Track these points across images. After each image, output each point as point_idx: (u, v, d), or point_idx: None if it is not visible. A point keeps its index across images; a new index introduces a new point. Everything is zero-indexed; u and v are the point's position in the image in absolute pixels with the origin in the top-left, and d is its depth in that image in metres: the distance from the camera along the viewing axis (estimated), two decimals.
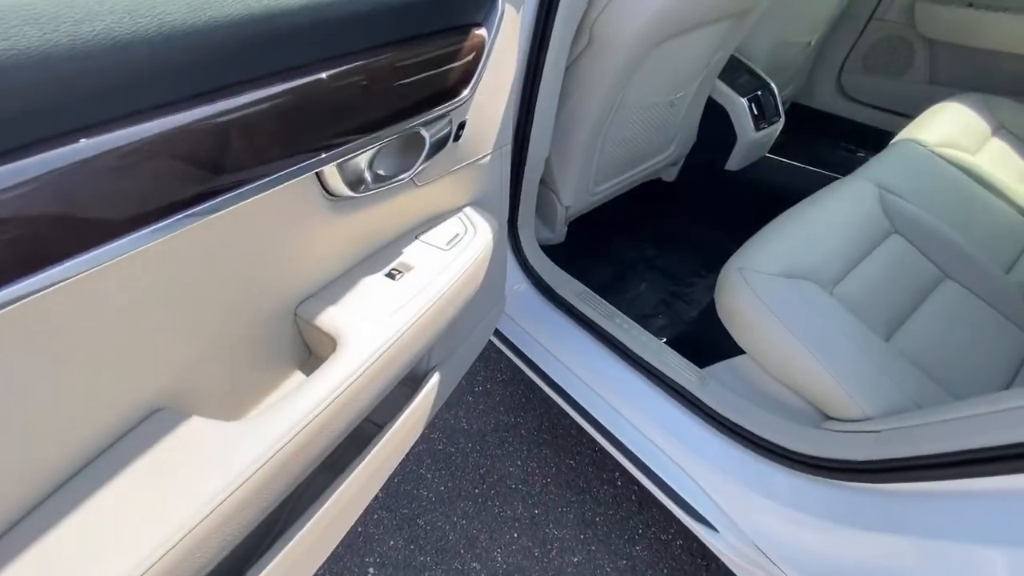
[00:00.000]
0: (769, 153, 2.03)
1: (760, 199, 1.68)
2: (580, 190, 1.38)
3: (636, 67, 1.11)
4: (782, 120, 1.63)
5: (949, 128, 1.48)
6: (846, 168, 1.98)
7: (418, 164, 0.59)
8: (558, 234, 1.49)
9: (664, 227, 1.77)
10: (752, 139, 1.55)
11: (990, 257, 1.17)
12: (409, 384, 0.87)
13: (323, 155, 0.47)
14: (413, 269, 0.66)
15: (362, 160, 0.56)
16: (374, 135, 0.52)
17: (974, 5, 1.69)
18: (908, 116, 1.95)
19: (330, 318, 0.57)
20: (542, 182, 1.37)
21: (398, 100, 0.54)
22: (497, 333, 1.33)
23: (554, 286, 1.28)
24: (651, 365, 1.08)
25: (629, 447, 1.06)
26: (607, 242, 1.70)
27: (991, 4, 1.67)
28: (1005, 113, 1.58)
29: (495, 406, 1.58)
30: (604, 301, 1.25)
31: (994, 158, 1.45)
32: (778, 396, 1.01)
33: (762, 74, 1.62)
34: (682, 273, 1.63)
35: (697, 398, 1.01)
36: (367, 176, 0.56)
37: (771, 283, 0.99)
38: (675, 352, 1.12)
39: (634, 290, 1.57)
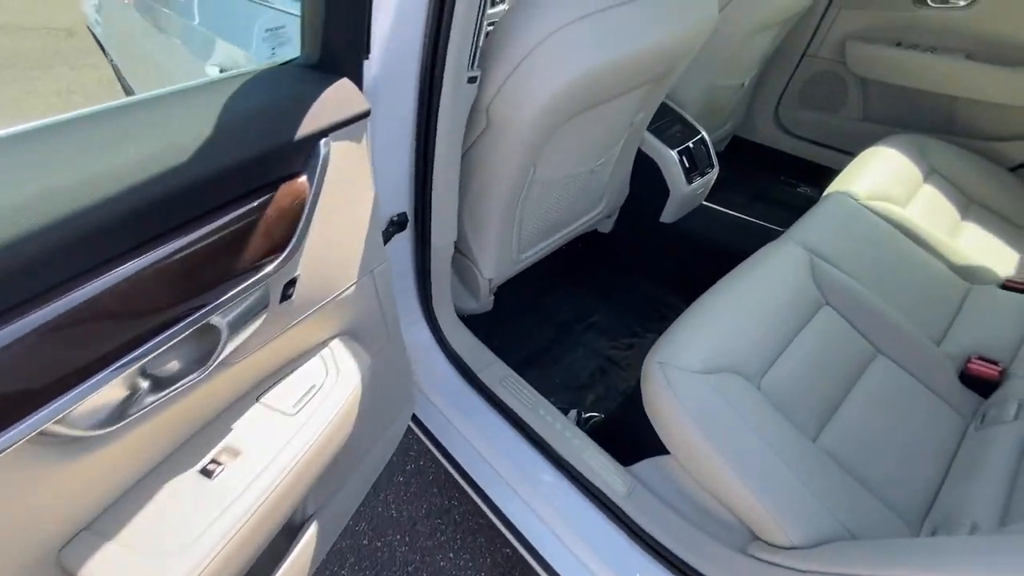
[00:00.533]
0: (714, 187, 1.99)
1: (697, 251, 1.62)
2: (502, 261, 1.28)
3: (543, 145, 1.03)
4: (716, 169, 1.58)
5: (880, 177, 1.44)
6: (786, 205, 2.00)
7: (216, 356, 0.48)
8: (484, 304, 1.39)
9: (601, 280, 1.69)
10: (685, 193, 1.49)
11: (922, 325, 1.13)
12: (284, 534, 0.76)
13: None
14: (241, 454, 0.55)
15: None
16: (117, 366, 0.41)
17: (902, 45, 1.67)
18: (845, 152, 1.94)
19: (98, 565, 0.45)
20: (462, 253, 1.27)
21: (160, 312, 0.42)
22: (414, 418, 1.22)
23: (476, 369, 1.18)
24: (575, 469, 0.99)
25: (549, 561, 0.97)
26: (542, 298, 1.61)
27: (919, 43, 1.65)
28: (937, 156, 1.56)
29: (427, 486, 1.47)
30: (529, 386, 1.16)
31: (926, 208, 1.42)
32: (706, 505, 0.93)
33: (694, 123, 1.56)
34: (620, 332, 1.55)
35: (622, 510, 0.93)
36: (141, 386, 0.45)
37: (693, 383, 0.92)
38: (601, 451, 1.03)
39: (571, 355, 1.49)
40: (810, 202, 1.98)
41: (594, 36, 0.83)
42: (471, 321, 1.43)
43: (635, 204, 1.59)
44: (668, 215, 1.56)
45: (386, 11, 0.68)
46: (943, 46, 1.61)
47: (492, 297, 1.39)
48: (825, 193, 1.43)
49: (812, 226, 1.27)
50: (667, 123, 1.52)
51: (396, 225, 0.94)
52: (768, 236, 1.53)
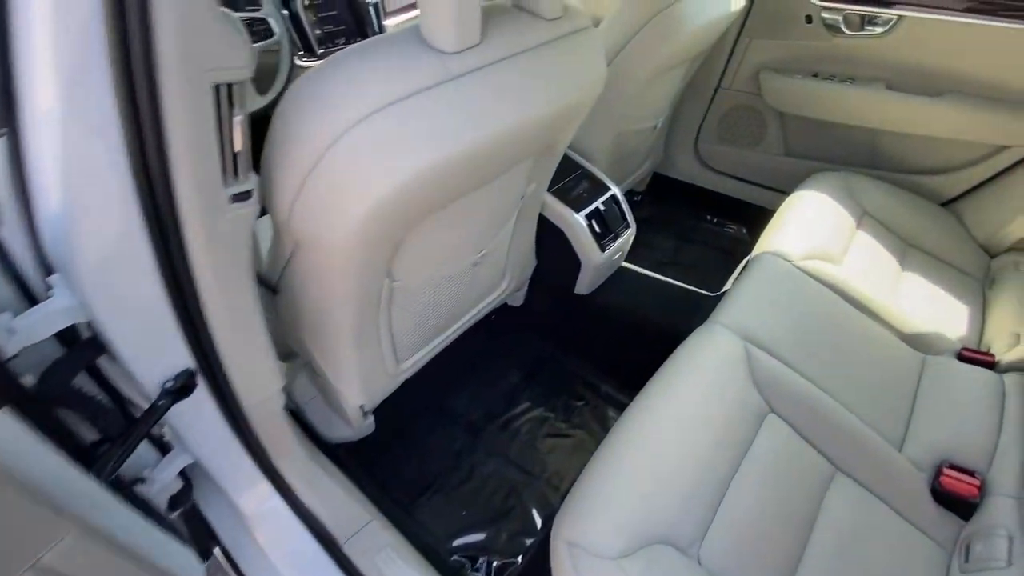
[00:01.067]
0: (640, 227, 1.78)
1: (622, 327, 1.40)
2: (373, 380, 1.01)
3: (389, 256, 0.76)
4: (632, 229, 1.37)
5: (811, 228, 1.28)
6: (715, 247, 1.82)
7: None
8: (360, 429, 1.11)
9: (519, 358, 1.44)
10: (598, 263, 1.26)
11: (881, 419, 0.94)
12: None
13: None
14: None
15: None
16: None
17: (819, 75, 1.54)
18: (771, 188, 1.80)
19: None
20: (323, 378, 0.99)
21: None
22: None
23: (341, 538, 0.90)
24: None
25: None
26: (445, 395, 1.33)
27: (837, 73, 1.52)
28: (867, 196, 1.42)
29: None
30: (418, 557, 0.89)
31: (863, 259, 1.25)
32: None
33: (603, 178, 1.35)
34: (542, 429, 1.29)
35: None
36: None
37: (611, 573, 0.67)
38: None
39: (481, 469, 1.21)
40: (737, 243, 1.90)
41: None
42: (350, 448, 1.14)
43: (545, 275, 1.36)
44: (583, 286, 1.33)
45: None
46: (862, 75, 1.49)
47: (371, 419, 1.10)
48: (754, 253, 1.24)
49: (744, 301, 1.07)
50: (572, 181, 1.30)
51: (176, 393, 0.64)
52: (697, 305, 1.37)
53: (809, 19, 1.48)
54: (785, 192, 1.71)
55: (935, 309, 1.18)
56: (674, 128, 1.86)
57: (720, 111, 1.78)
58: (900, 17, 1.37)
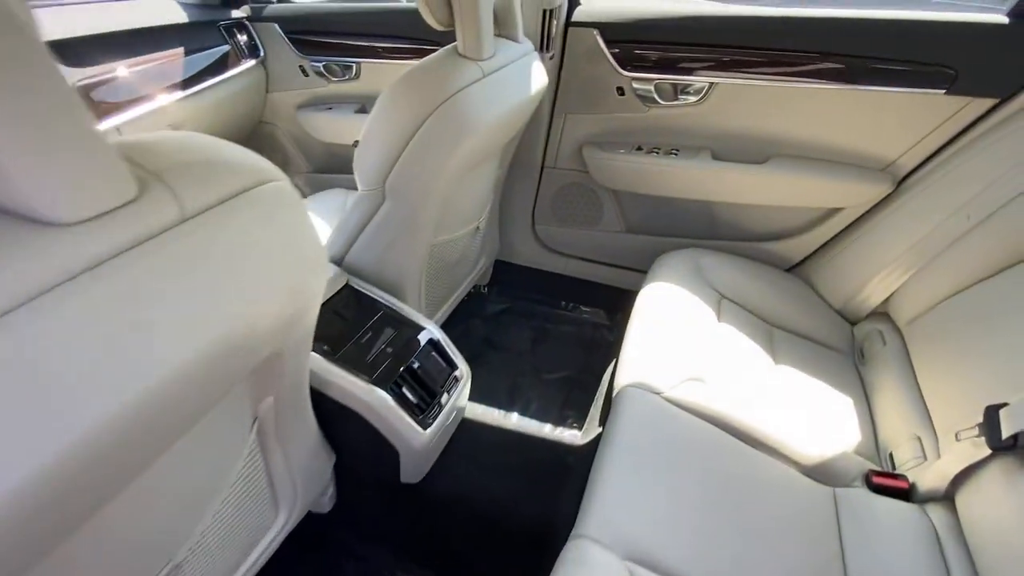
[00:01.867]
0: (491, 327, 1.58)
1: (467, 516, 1.04)
2: None
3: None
4: (465, 370, 1.02)
5: (670, 336, 1.05)
6: (574, 339, 1.59)
7: None
8: None
9: None
10: (422, 445, 0.89)
11: None
12: None
13: None
14: None
15: None
16: None
17: (643, 149, 1.38)
18: (618, 266, 1.62)
19: None
20: None
21: None
22: None
23: None
24: None
25: None
26: None
27: (662, 144, 1.37)
28: (718, 276, 1.26)
29: None
30: None
31: (737, 367, 1.05)
32: None
33: (415, 318, 0.99)
34: None
35: None
36: None
37: None
38: None
39: None
40: (596, 329, 1.64)
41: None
42: None
43: (358, 464, 0.95)
44: (409, 475, 0.95)
45: None
46: (686, 145, 1.35)
47: None
48: (616, 390, 0.97)
49: (614, 478, 0.77)
50: (369, 334, 0.92)
51: None
52: (563, 464, 1.12)
53: (621, 91, 1.32)
54: (634, 269, 1.54)
55: (824, 412, 1.01)
56: (506, 212, 1.61)
57: (551, 191, 1.56)
58: (712, 84, 1.25)
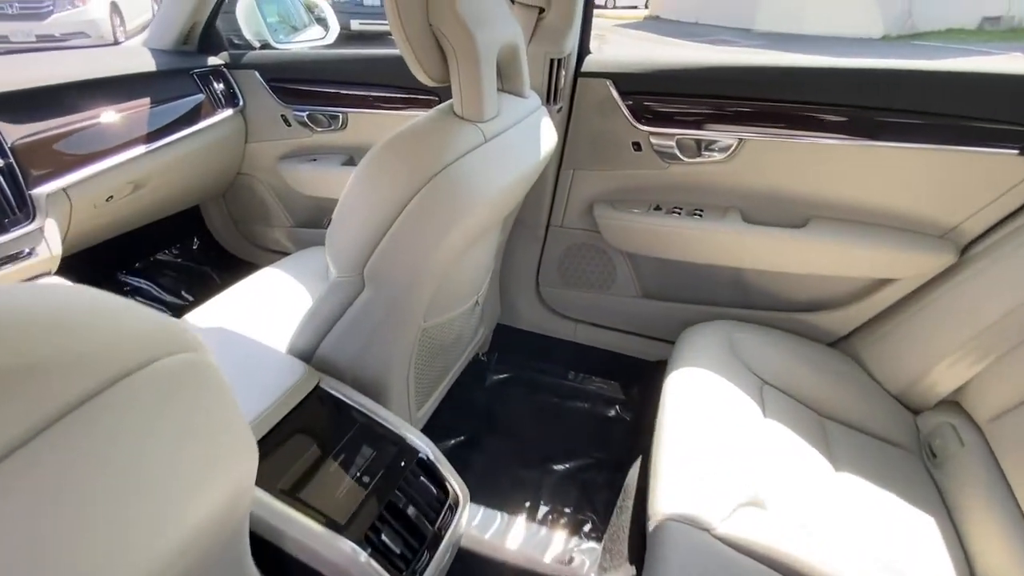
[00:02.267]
0: (491, 403, 1.43)
1: None
2: None
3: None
4: (462, 496, 0.83)
5: (711, 446, 0.86)
6: (591, 419, 1.37)
7: None
8: None
9: None
10: None
11: None
12: None
13: None
14: None
15: None
16: None
17: (662, 208, 1.22)
18: (633, 333, 1.44)
19: None
20: None
21: None
22: None
23: None
24: None
25: None
26: None
27: (683, 204, 1.22)
28: (756, 355, 1.08)
29: None
30: None
31: (795, 481, 0.86)
32: None
33: (404, 432, 0.80)
34: None
35: None
36: None
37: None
38: None
39: None
40: (611, 405, 1.42)
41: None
42: None
43: None
44: None
45: None
46: (712, 205, 1.20)
47: None
48: (652, 521, 0.78)
49: None
50: (343, 456, 0.73)
51: None
52: None
53: (637, 146, 1.18)
54: (652, 337, 1.36)
55: (904, 539, 0.81)
56: (508, 273, 1.44)
57: (557, 252, 1.40)
58: (741, 140, 1.10)
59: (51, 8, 6.05)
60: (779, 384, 1.05)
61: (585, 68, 1.14)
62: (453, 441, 1.33)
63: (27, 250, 1.07)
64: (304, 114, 1.51)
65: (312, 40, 1.70)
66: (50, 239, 1.11)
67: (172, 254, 1.95)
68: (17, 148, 1.04)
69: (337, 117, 1.49)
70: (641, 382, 1.43)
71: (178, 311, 1.85)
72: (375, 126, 1.50)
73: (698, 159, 1.15)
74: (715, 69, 1.07)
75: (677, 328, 1.22)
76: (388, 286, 0.76)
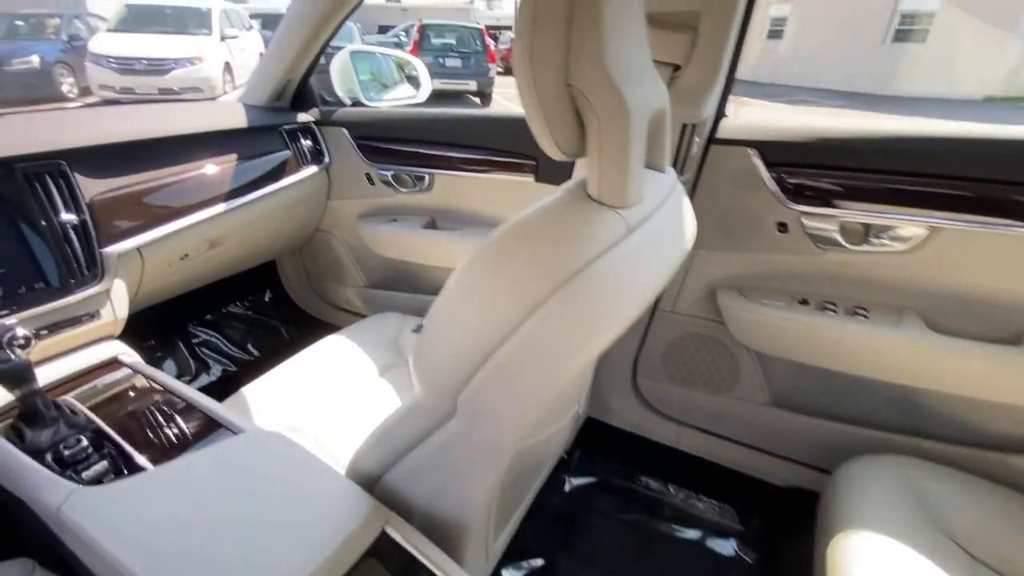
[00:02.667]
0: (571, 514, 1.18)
1: None
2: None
3: None
4: None
5: None
6: (686, 547, 1.07)
7: None
8: None
9: None
10: None
11: None
12: None
13: None
14: None
15: None
16: None
17: (810, 303, 0.98)
18: (756, 448, 1.17)
19: None
20: None
21: None
22: None
23: None
24: None
25: None
26: None
27: (838, 300, 0.97)
28: (950, 509, 0.80)
29: None
30: None
31: None
32: None
33: None
34: None
35: None
36: None
37: None
38: None
39: None
40: (723, 533, 1.12)
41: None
42: None
43: None
44: None
45: None
46: (882, 304, 0.95)
47: None
48: None
49: None
50: None
51: None
52: None
53: (783, 227, 0.96)
54: (782, 457, 1.09)
55: None
56: (601, 357, 1.23)
57: (663, 339, 1.18)
58: (932, 229, 0.86)
59: (172, 66, 6.78)
60: (989, 558, 0.75)
61: (721, 134, 0.96)
62: (526, 567, 1.10)
63: (90, 313, 0.98)
64: (389, 174, 1.42)
65: (403, 99, 1.65)
66: (116, 301, 1.02)
67: (243, 306, 1.90)
68: (95, 204, 0.97)
69: (423, 178, 1.39)
70: (766, 512, 1.15)
71: (243, 366, 1.77)
72: (462, 189, 1.39)
73: (867, 247, 0.91)
74: (898, 139, 0.85)
75: (819, 451, 0.95)
76: (488, 418, 0.57)
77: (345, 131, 1.43)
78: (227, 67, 7.43)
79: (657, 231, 0.62)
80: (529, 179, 1.26)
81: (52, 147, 0.94)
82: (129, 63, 6.69)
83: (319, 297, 1.81)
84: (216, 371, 1.74)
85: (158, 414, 0.83)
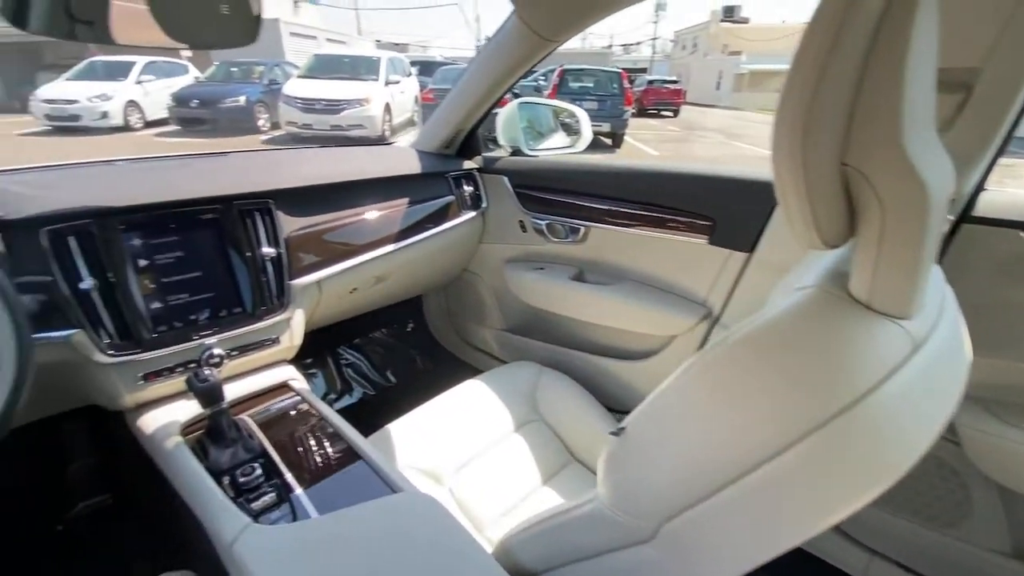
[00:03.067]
0: None
1: None
2: None
3: None
4: None
5: None
6: None
7: None
8: None
9: None
10: None
11: None
12: None
13: None
14: None
15: None
16: None
17: None
18: None
19: None
20: None
21: None
22: None
23: None
24: None
25: None
26: None
27: None
28: None
29: None
30: None
31: None
32: None
33: None
34: None
35: None
36: None
37: None
38: None
39: None
40: None
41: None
42: None
43: None
44: None
45: None
46: None
47: None
48: None
49: None
50: None
51: None
52: None
53: None
54: None
55: None
56: None
57: None
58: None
59: (344, 106, 7.77)
60: None
61: (980, 212, 0.77)
62: None
63: (272, 339, 1.06)
64: (543, 223, 1.40)
65: (559, 147, 1.64)
66: (294, 329, 1.10)
67: (386, 333, 2.00)
68: (290, 240, 1.06)
69: (577, 230, 1.35)
70: None
71: (380, 391, 1.85)
72: (618, 243, 1.32)
73: None
74: None
75: None
76: (693, 556, 0.47)
77: (506, 179, 1.44)
78: (387, 108, 8.33)
79: (944, 347, 0.48)
80: (700, 240, 1.15)
81: (264, 187, 1.05)
82: (311, 103, 7.81)
83: (456, 334, 1.84)
84: (357, 393, 1.83)
85: (314, 441, 0.87)
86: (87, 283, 0.83)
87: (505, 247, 1.53)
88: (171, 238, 0.94)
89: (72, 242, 0.84)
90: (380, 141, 7.92)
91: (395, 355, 1.96)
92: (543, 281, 1.43)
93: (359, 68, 8.61)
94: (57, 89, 8.65)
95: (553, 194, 1.39)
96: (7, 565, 1.16)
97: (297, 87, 8.13)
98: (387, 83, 8.53)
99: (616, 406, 1.31)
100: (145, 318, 0.89)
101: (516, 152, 1.53)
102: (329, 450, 0.84)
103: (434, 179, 1.39)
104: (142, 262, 0.90)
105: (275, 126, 8.93)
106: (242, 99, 8.94)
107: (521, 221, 1.45)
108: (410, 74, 10.06)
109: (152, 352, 0.89)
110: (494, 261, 1.58)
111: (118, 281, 0.86)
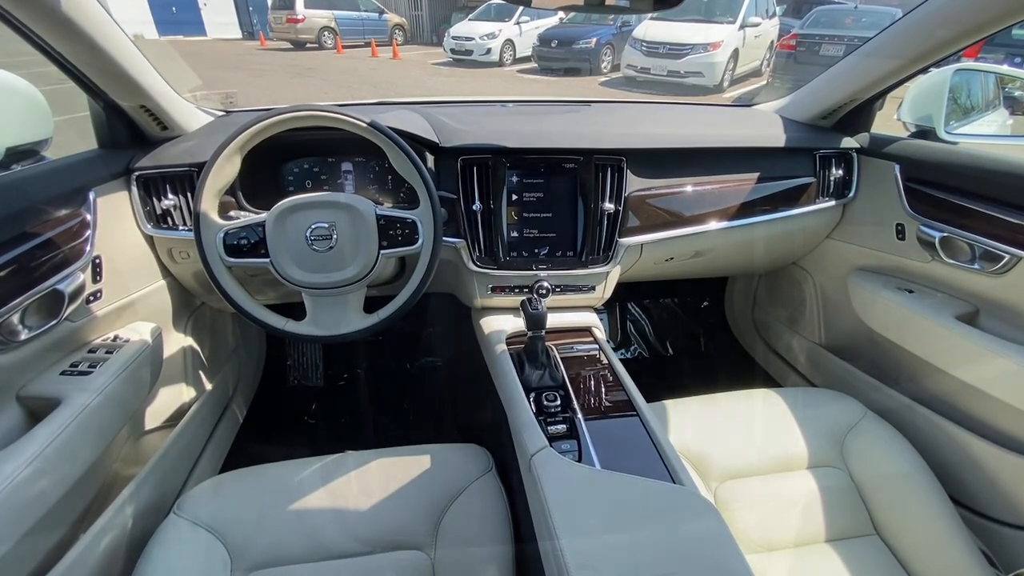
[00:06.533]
0: None
1: None
2: None
3: None
4: None
5: None
6: None
7: None
8: None
9: None
10: None
11: None
12: None
13: None
14: None
15: None
16: None
17: None
18: None
19: None
20: None
21: None
22: None
23: None
24: None
25: None
26: None
27: None
28: None
29: None
30: None
31: None
32: None
33: None
34: None
35: None
36: None
37: None
38: None
39: None
40: None
41: None
42: None
43: None
44: None
45: None
46: None
47: None
48: None
49: None
50: None
51: None
52: None
53: None
54: None
55: None
56: None
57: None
58: None
59: (688, 51, 7.40)
60: None
61: None
62: None
63: (590, 286, 1.14)
64: (937, 235, 1.06)
65: (1003, 136, 1.19)
66: (610, 282, 1.16)
67: (676, 303, 1.95)
68: (630, 199, 1.09)
69: (997, 258, 0.97)
70: None
71: (656, 358, 1.85)
72: None
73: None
74: None
75: None
76: None
77: (896, 168, 1.13)
78: (734, 54, 7.58)
79: None
80: None
81: (621, 144, 1.08)
82: (655, 47, 7.69)
83: (756, 329, 1.66)
84: (634, 350, 1.87)
85: (605, 392, 0.92)
86: (477, 205, 1.03)
87: (861, 251, 1.24)
88: (538, 180, 1.07)
89: (475, 171, 1.04)
90: (714, 91, 7.35)
91: (679, 327, 1.91)
92: (908, 308, 1.11)
93: (715, 8, 7.95)
94: (462, 28, 10.79)
95: (970, 200, 1.02)
96: (388, 382, 1.69)
97: (645, 30, 8.09)
98: (742, 26, 7.68)
99: (969, 502, 0.98)
100: (505, 243, 1.07)
101: (922, 134, 1.18)
102: (615, 405, 0.88)
103: (798, 155, 1.19)
104: (514, 196, 1.07)
105: (615, 68, 9.22)
106: (592, 41, 9.44)
107: (900, 225, 1.14)
108: (773, 14, 8.80)
109: (503, 272, 1.07)
110: (839, 263, 1.31)
111: (495, 208, 1.05)
